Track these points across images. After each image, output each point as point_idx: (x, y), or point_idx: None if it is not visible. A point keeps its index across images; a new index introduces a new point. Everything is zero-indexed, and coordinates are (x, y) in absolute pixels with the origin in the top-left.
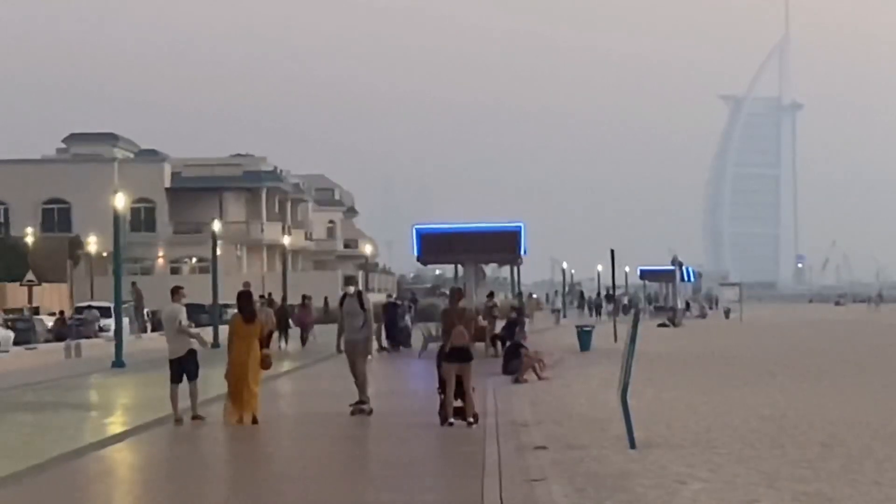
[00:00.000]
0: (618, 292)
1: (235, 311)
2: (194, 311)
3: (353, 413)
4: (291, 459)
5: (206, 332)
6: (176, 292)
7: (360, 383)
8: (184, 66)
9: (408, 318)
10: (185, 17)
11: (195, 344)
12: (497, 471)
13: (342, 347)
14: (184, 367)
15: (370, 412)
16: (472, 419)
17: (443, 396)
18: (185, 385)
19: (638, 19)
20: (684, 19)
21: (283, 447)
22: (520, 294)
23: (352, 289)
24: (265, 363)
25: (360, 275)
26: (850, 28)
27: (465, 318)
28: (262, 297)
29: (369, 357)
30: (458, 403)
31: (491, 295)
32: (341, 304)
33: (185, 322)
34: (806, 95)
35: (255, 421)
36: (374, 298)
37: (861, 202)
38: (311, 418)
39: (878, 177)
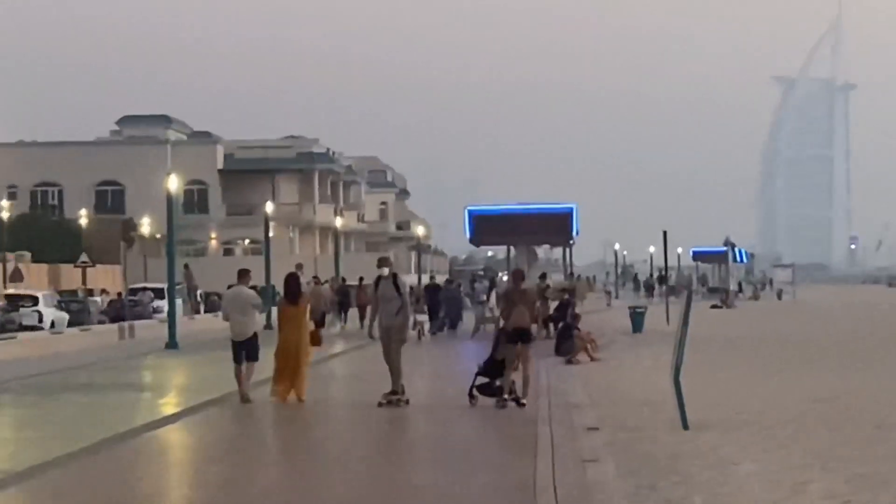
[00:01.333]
0: (670, 274)
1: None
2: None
3: (379, 404)
4: (342, 442)
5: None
6: (243, 275)
7: (394, 372)
8: (237, 47)
9: (464, 300)
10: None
11: (259, 327)
12: (550, 452)
13: (375, 333)
14: (246, 348)
15: (406, 403)
16: (523, 400)
17: (478, 376)
18: (245, 364)
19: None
20: (737, 0)
21: (333, 429)
22: (571, 275)
23: (386, 271)
24: (315, 339)
25: (413, 256)
26: None
27: (526, 299)
28: (314, 278)
29: (404, 343)
30: (498, 383)
31: (543, 276)
32: (376, 287)
33: (258, 302)
34: (859, 76)
35: (300, 399)
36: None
37: None
38: (364, 400)
39: None
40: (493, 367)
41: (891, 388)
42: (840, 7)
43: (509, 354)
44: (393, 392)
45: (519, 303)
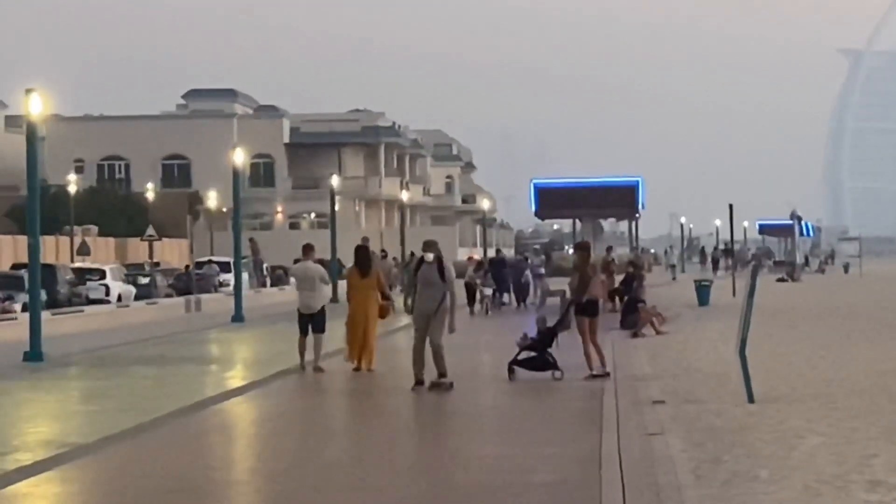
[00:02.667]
0: (737, 247)
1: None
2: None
3: (431, 387)
4: (409, 414)
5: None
6: (308, 250)
7: (438, 356)
8: (304, 21)
9: (528, 273)
10: None
11: (327, 300)
12: (615, 425)
13: (412, 313)
14: (313, 321)
15: (449, 387)
16: (607, 370)
17: (522, 350)
18: (310, 337)
19: None
20: None
21: (400, 402)
22: (636, 249)
23: (431, 256)
24: (383, 312)
25: (478, 230)
26: None
27: (593, 271)
28: (382, 251)
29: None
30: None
31: (609, 249)
32: (416, 270)
33: (325, 279)
34: None
35: (370, 370)
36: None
37: None
38: (429, 372)
39: None
40: (545, 339)
41: None
42: None
43: (580, 326)
44: (440, 375)
45: (586, 275)
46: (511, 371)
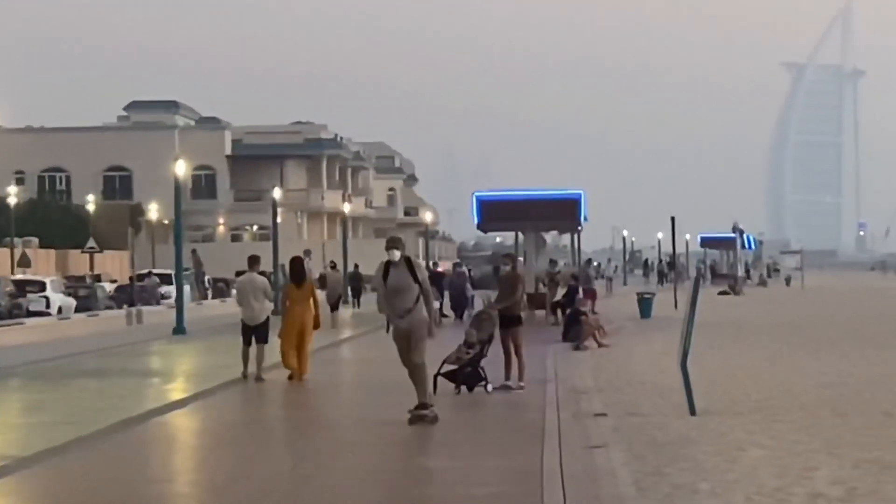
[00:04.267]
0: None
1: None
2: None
3: (411, 422)
4: (351, 426)
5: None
6: (254, 262)
7: (418, 378)
8: (245, 33)
9: (468, 286)
10: None
11: (269, 312)
12: (557, 438)
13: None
14: (256, 331)
15: (433, 419)
16: (521, 384)
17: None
18: (253, 347)
19: None
20: None
21: (342, 413)
22: (590, 262)
23: (397, 254)
24: (316, 323)
25: (421, 243)
26: None
27: (517, 283)
28: (331, 262)
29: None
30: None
31: (553, 262)
32: (384, 275)
33: (269, 292)
34: (868, 63)
35: (302, 378)
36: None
37: None
38: (373, 384)
39: None
40: (479, 354)
41: None
42: None
43: (502, 339)
44: (421, 405)
45: (510, 287)
46: (434, 385)
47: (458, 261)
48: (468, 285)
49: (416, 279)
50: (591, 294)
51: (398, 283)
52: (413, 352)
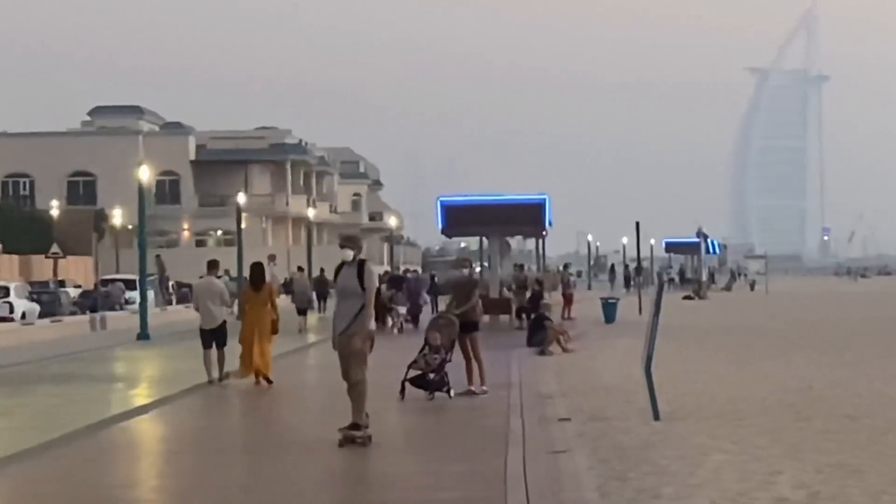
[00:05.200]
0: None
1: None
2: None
3: (341, 443)
4: (314, 431)
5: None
6: (213, 266)
7: (356, 396)
8: (210, 38)
9: (425, 292)
10: None
11: (227, 315)
12: (521, 442)
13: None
14: (215, 336)
15: (366, 441)
16: (485, 389)
17: (410, 368)
18: (214, 351)
19: None
20: None
21: (305, 419)
22: (568, 267)
23: (350, 253)
24: (274, 327)
25: (386, 248)
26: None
27: (472, 288)
28: (299, 268)
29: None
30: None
31: (521, 267)
32: (336, 275)
33: (226, 297)
34: (832, 68)
35: (269, 381)
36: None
37: (888, 175)
38: (337, 388)
39: None
40: (444, 359)
41: (862, 379)
42: None
43: (461, 344)
44: (353, 426)
45: (466, 292)
46: (402, 390)
47: (412, 267)
48: (424, 291)
49: (363, 285)
50: (568, 299)
51: (345, 285)
52: (351, 366)
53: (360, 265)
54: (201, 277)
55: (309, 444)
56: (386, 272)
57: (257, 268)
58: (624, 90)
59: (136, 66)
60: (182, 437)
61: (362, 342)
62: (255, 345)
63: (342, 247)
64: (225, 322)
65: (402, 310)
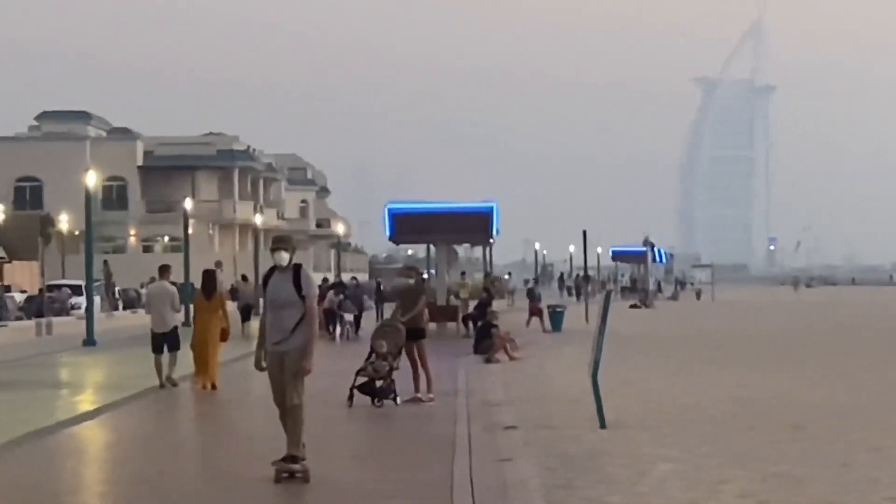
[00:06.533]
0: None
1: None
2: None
3: (277, 479)
4: (261, 437)
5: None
6: (165, 270)
7: (292, 423)
8: (157, 43)
9: (366, 299)
10: None
11: (179, 321)
12: (468, 450)
13: (263, 363)
14: (167, 340)
15: (304, 476)
16: (432, 396)
17: (358, 374)
18: (166, 355)
19: (611, 1)
20: (659, 1)
21: (254, 425)
22: (495, 277)
23: (285, 256)
24: (224, 335)
25: (333, 255)
26: (823, 10)
27: (417, 295)
28: (243, 276)
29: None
30: (379, 384)
31: (463, 275)
32: (265, 283)
33: (177, 302)
34: (779, 78)
35: (214, 387)
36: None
37: (834, 185)
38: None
39: (850, 160)
40: (391, 366)
41: (808, 388)
42: (760, 9)
43: (408, 351)
44: (290, 458)
45: (413, 300)
46: (351, 397)
47: (358, 275)
48: (365, 297)
49: (300, 294)
50: (536, 311)
51: (279, 294)
52: (287, 389)
53: (296, 270)
54: (152, 281)
55: (256, 450)
56: (325, 279)
57: (209, 275)
58: (572, 99)
59: (83, 72)
60: (130, 443)
61: (297, 360)
62: (204, 351)
63: (275, 250)
64: (177, 327)
65: (349, 317)
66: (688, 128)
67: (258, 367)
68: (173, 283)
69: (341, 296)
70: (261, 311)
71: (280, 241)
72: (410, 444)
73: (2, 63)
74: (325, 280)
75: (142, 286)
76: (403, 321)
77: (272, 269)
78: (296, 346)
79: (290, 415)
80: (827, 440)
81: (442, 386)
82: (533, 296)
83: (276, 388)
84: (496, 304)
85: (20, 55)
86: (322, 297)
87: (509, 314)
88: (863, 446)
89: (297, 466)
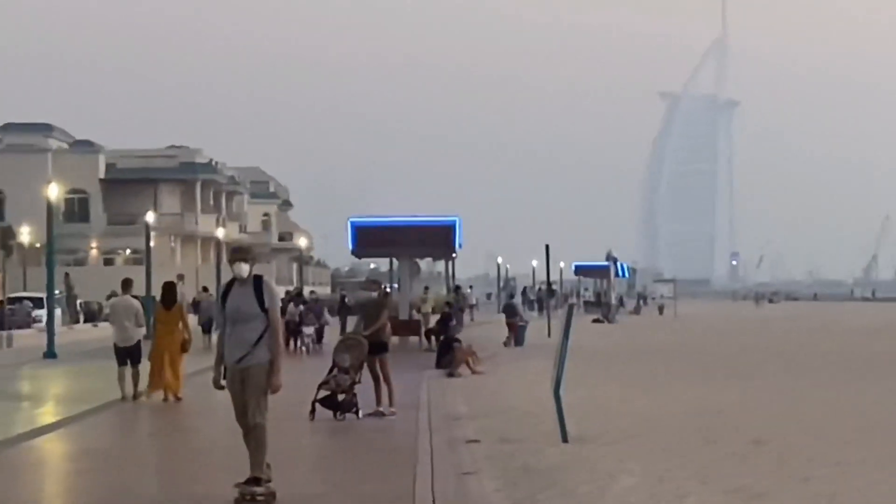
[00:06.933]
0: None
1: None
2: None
3: (239, 502)
4: (223, 450)
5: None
6: (127, 284)
7: (255, 444)
8: (120, 56)
9: (326, 313)
10: (120, 6)
11: (142, 335)
12: (429, 464)
13: (222, 380)
14: (130, 353)
15: (267, 499)
16: (393, 410)
17: (320, 388)
18: (129, 368)
19: (577, 14)
20: (623, 15)
21: (215, 438)
22: (457, 288)
23: (245, 268)
24: (185, 346)
25: (295, 268)
26: (785, 27)
27: (380, 309)
28: (204, 288)
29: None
30: (341, 398)
31: (426, 289)
32: (224, 297)
33: (141, 316)
34: (742, 93)
35: (178, 398)
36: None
37: (796, 201)
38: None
39: (812, 175)
40: (353, 379)
41: (769, 402)
42: (724, 24)
43: (370, 365)
44: (253, 480)
45: (376, 313)
46: (313, 411)
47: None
48: (325, 311)
49: (262, 306)
50: (514, 328)
51: (240, 307)
52: (250, 407)
53: (258, 281)
54: (113, 295)
55: (219, 463)
56: (287, 291)
57: (169, 287)
58: (535, 113)
59: (45, 84)
60: (90, 456)
61: (260, 377)
62: (167, 363)
63: (234, 261)
64: (140, 341)
65: (309, 329)
66: (652, 142)
67: (216, 385)
68: (135, 297)
69: (301, 307)
70: (217, 325)
71: (239, 252)
72: (372, 458)
73: None
74: (287, 292)
75: (107, 298)
76: (366, 335)
77: (231, 282)
78: (259, 361)
79: (253, 435)
80: (787, 455)
81: (404, 399)
82: (511, 311)
83: (237, 406)
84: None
85: None
86: (283, 309)
87: (471, 328)
88: (823, 461)
89: (259, 489)
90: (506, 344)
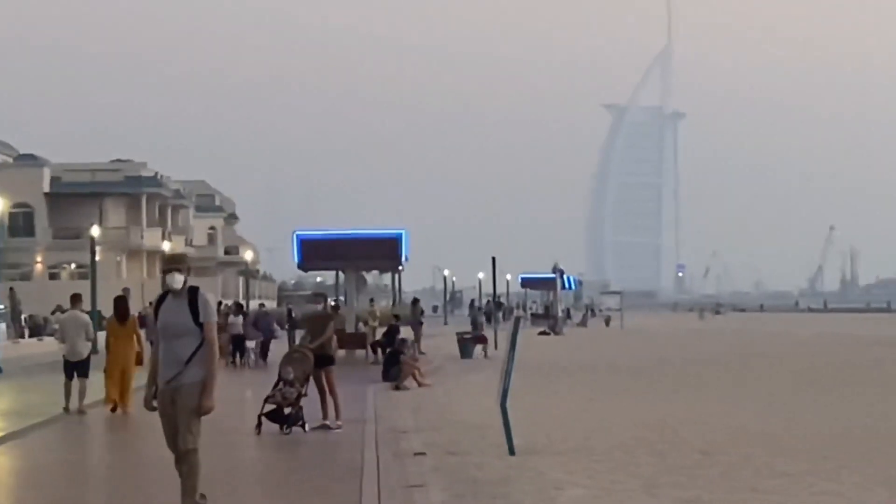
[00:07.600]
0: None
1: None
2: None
3: None
4: (169, 464)
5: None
6: (77, 299)
7: (188, 471)
8: (64, 69)
9: (276, 327)
10: (65, 18)
11: (90, 349)
12: (376, 477)
13: (153, 401)
14: (77, 367)
15: None
16: (339, 424)
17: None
18: (75, 381)
19: (521, 26)
20: (568, 27)
21: (162, 453)
22: (416, 301)
23: (179, 278)
24: (139, 359)
25: (241, 281)
26: (731, 39)
27: (326, 322)
28: (150, 303)
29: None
30: (287, 411)
31: (371, 301)
32: (157, 309)
33: (91, 331)
34: (688, 105)
35: (126, 412)
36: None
37: (742, 213)
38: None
39: (757, 187)
40: (299, 393)
41: (716, 414)
42: (669, 36)
43: (316, 378)
44: None
45: (321, 326)
46: (259, 424)
47: (262, 302)
48: (275, 325)
49: (197, 320)
50: (482, 339)
51: (173, 321)
52: (181, 430)
53: (192, 293)
54: (60, 309)
55: (164, 478)
56: (227, 305)
57: (122, 302)
58: (480, 125)
59: None
60: (34, 471)
61: (191, 398)
62: (120, 376)
63: (168, 271)
64: (89, 355)
65: (251, 343)
66: (598, 154)
67: (147, 406)
68: (84, 311)
69: (241, 317)
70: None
71: (173, 262)
72: (319, 472)
73: None
74: (227, 305)
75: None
76: (312, 347)
77: (164, 294)
78: (191, 380)
79: (184, 460)
80: (735, 466)
81: (350, 413)
82: (477, 324)
83: (168, 429)
84: (404, 332)
85: None
86: (224, 322)
87: (437, 339)
88: (771, 472)
89: None
90: (484, 354)
